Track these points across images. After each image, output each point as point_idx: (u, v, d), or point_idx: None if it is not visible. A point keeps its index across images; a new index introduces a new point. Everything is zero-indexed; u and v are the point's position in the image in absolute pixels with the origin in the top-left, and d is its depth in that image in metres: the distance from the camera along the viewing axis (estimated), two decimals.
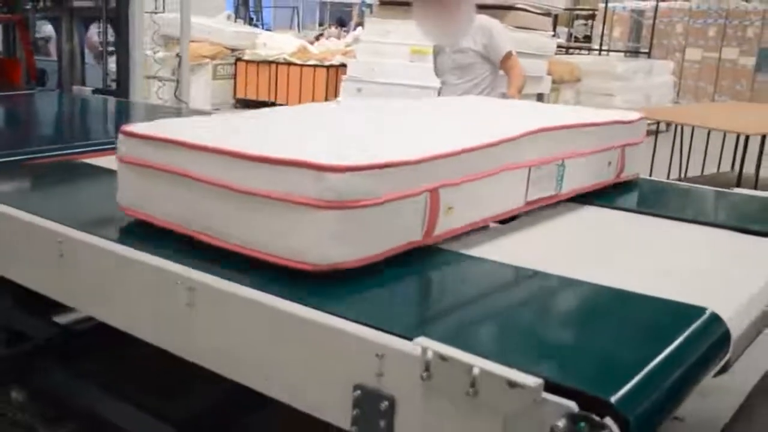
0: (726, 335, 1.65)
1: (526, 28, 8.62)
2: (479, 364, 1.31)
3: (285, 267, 1.76)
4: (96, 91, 6.03)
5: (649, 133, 8.45)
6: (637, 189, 2.96)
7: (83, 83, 6.45)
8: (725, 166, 7.42)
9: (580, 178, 2.56)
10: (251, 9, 20.43)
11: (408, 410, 1.43)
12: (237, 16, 17.62)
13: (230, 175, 1.85)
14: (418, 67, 8.12)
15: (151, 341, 1.93)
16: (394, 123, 2.60)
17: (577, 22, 16.40)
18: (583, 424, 1.22)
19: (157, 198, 2.08)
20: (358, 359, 1.48)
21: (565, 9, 11.87)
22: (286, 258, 1.77)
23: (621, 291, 1.77)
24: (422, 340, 1.39)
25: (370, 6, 9.62)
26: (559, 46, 14.02)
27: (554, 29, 11.40)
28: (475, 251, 2.05)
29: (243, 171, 1.83)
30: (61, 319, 2.86)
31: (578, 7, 16.75)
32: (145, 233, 2.08)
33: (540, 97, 9.53)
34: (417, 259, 1.93)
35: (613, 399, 1.26)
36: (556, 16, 11.37)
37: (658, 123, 7.71)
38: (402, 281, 1.87)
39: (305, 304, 1.60)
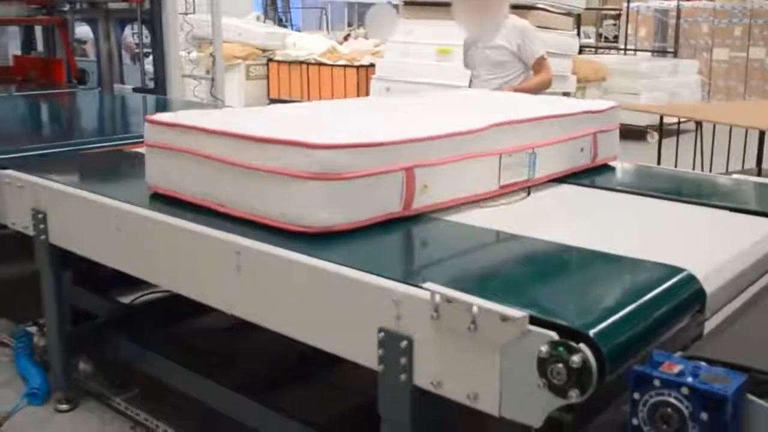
0: (700, 292, 1.90)
1: (547, 28, 8.82)
2: (478, 303, 1.59)
3: (284, 230, 2.11)
4: (135, 89, 6.36)
5: (670, 132, 8.54)
6: (614, 171, 3.23)
7: (121, 82, 6.77)
8: (750, 164, 7.53)
9: (553, 163, 2.85)
10: (279, 10, 20.77)
11: (423, 347, 1.72)
12: (266, 17, 17.96)
13: (236, 153, 2.23)
14: (444, 67, 8.36)
15: (204, 301, 2.23)
16: (389, 113, 2.99)
17: (606, 22, 16.52)
18: (561, 348, 1.49)
19: (177, 175, 2.46)
20: (380, 305, 1.77)
21: (588, 9, 12.00)
22: (283, 222, 2.13)
23: (607, 253, 2.04)
24: (430, 286, 1.67)
25: (396, 7, 9.83)
26: (587, 46, 14.21)
27: (578, 29, 11.59)
28: (460, 218, 2.36)
29: (247, 150, 2.20)
30: (122, 298, 3.16)
31: (603, 6, 16.86)
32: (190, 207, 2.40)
33: (566, 96, 9.74)
34: (411, 224, 2.26)
35: (588, 331, 1.52)
36: (579, 16, 11.55)
37: (679, 121, 7.84)
38: (403, 240, 2.23)
39: (334, 262, 1.89)
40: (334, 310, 1.89)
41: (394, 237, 2.20)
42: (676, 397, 1.40)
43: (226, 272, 2.08)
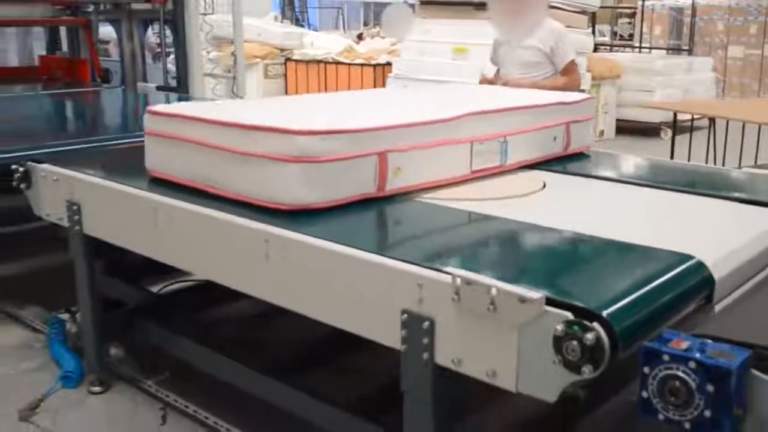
0: (709, 279, 1.99)
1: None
2: (497, 285, 1.69)
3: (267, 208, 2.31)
4: (159, 88, 6.49)
5: (683, 129, 8.61)
6: (589, 158, 3.40)
7: (144, 81, 6.89)
8: (762, 161, 7.58)
9: (525, 151, 3.04)
10: (297, 10, 20.92)
11: (445, 328, 1.82)
12: (283, 16, 18.11)
13: (226, 140, 2.46)
14: (460, 65, 8.45)
15: (236, 288, 2.35)
16: (375, 103, 3.23)
17: (621, 20, 16.55)
18: (576, 327, 1.59)
19: (174, 161, 2.68)
20: (403, 289, 1.87)
21: (603, 7, 12.06)
22: (267, 201, 2.34)
23: (619, 241, 2.13)
24: (452, 270, 1.77)
25: (412, 6, 9.92)
26: (602, 44, 14.25)
27: (593, 27, 11.64)
28: (456, 204, 2.50)
29: (235, 136, 2.43)
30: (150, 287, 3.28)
31: (618, 5, 16.89)
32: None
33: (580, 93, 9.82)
34: (419, 210, 2.46)
35: (601, 311, 1.62)
36: (594, 14, 11.61)
37: (693, 118, 7.89)
38: (420, 229, 2.37)
39: (359, 248, 2.00)
40: (359, 293, 1.99)
41: (368, 216, 2.42)
42: (683, 371, 1.50)
43: (256, 260, 2.19)
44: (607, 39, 15.63)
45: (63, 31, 6.86)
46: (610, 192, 2.88)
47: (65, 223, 2.90)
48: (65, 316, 3.39)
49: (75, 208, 2.82)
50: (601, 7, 12.58)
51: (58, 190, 2.90)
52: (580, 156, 3.36)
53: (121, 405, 3.02)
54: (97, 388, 3.08)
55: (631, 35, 15.66)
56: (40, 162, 3.04)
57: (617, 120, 10.84)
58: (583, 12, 9.74)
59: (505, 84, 4.58)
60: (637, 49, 14.30)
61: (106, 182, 2.74)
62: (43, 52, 6.89)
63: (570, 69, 4.62)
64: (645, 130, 10.76)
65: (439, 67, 8.49)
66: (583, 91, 4.74)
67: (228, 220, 2.31)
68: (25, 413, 2.91)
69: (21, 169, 3.05)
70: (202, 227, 2.41)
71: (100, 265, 3.05)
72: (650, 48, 14.51)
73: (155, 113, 2.76)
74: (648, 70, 11.10)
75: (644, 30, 14.92)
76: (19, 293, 3.98)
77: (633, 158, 3.67)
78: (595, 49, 11.96)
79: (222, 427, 2.78)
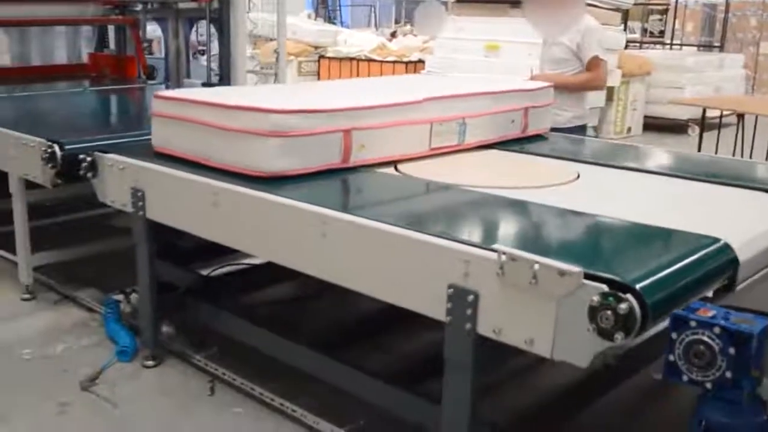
0: (734, 260, 2.14)
1: None
2: (539, 260, 1.86)
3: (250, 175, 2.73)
4: (203, 84, 6.69)
5: (711, 126, 8.68)
6: (545, 139, 3.83)
7: (188, 78, 7.10)
8: None
9: (483, 132, 3.44)
10: (329, 8, 21.13)
11: (488, 301, 1.99)
12: (316, 15, 18.32)
13: (215, 118, 2.89)
14: (492, 62, 8.59)
15: (293, 267, 2.53)
16: (354, 89, 3.67)
17: (651, 17, 16.56)
18: (611, 298, 1.76)
19: (174, 137, 3.11)
20: (451, 265, 2.04)
21: (635, 4, 12.11)
22: (249, 170, 2.76)
23: (653, 225, 2.30)
24: (497, 246, 1.94)
25: (445, 4, 10.05)
26: (632, 41, 14.29)
27: (625, 24, 11.72)
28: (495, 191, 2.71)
29: (223, 116, 2.86)
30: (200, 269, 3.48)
31: (651, 2, 16.90)
32: (280, 183, 2.71)
33: (610, 90, 9.93)
34: (469, 197, 2.67)
35: (635, 285, 1.78)
36: (627, 11, 11.68)
37: (721, 115, 7.95)
38: (341, 185, 2.80)
39: (408, 228, 2.18)
40: (408, 270, 2.17)
41: (332, 182, 2.84)
42: (708, 336, 1.66)
43: (313, 239, 2.38)
44: (637, 36, 15.65)
45: (111, 29, 7.07)
46: (641, 182, 3.03)
47: (129, 209, 3.10)
48: (120, 296, 3.61)
49: (139, 194, 3.02)
50: (633, 4, 12.65)
51: (123, 178, 3.10)
52: (538, 137, 3.80)
53: (172, 377, 3.22)
54: (150, 362, 3.28)
55: (662, 32, 15.66)
56: (105, 152, 3.24)
57: (645, 117, 10.92)
58: (617, 9, 9.84)
59: (533, 79, 4.72)
60: (668, 46, 14.32)
61: (170, 170, 2.93)
62: (91, 50, 7.12)
63: (593, 65, 4.66)
64: (672, 127, 10.84)
65: (472, 64, 8.61)
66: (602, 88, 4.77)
67: (282, 202, 2.50)
68: (85, 384, 3.11)
69: (88, 159, 3.24)
70: (257, 210, 2.61)
71: (156, 250, 3.24)
72: (681, 45, 14.54)
73: (160, 97, 3.19)
74: (678, 67, 11.16)
75: (676, 27, 14.93)
76: (75, 277, 4.20)
77: (666, 152, 3.84)
78: (626, 46, 12.04)
79: (267, 398, 2.96)
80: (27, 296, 4.02)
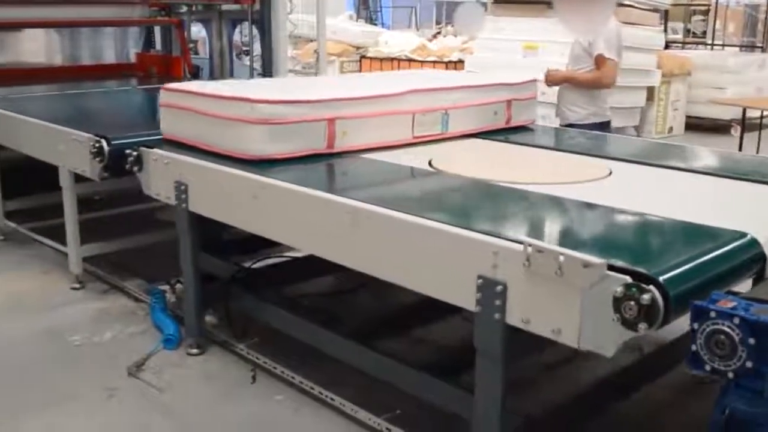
0: (761, 255, 2.19)
1: (633, 24, 9.00)
2: (564, 252, 1.93)
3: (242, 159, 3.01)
4: None
5: (753, 126, 8.64)
6: (529, 131, 4.05)
7: (231, 77, 7.24)
8: None
9: (466, 122, 3.68)
10: (370, 9, 21.26)
11: (515, 291, 2.07)
12: (357, 16, 18.44)
13: (211, 108, 3.18)
14: (530, 61, 8.62)
15: (327, 257, 2.63)
16: (344, 82, 4.13)
17: (694, 18, 16.42)
18: (634, 289, 1.82)
19: (178, 126, 3.39)
20: (480, 256, 2.12)
21: (676, 4, 12.04)
22: (239, 153, 3.05)
23: (679, 220, 2.36)
24: (524, 239, 2.02)
25: (485, 5, 10.10)
26: (674, 42, 14.19)
27: (665, 25, 11.66)
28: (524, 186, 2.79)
29: (218, 105, 3.16)
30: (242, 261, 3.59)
31: (692, 2, 16.75)
32: (312, 177, 2.85)
33: (650, 90, 9.90)
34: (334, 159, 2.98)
35: (658, 276, 1.85)
36: (666, 12, 11.63)
37: (761, 115, 7.91)
38: (326, 170, 3.00)
39: (439, 221, 2.26)
40: (439, 261, 2.25)
41: (318, 167, 3.10)
42: (728, 326, 1.72)
43: (344, 231, 2.48)
44: (679, 36, 15.52)
45: (157, 30, 7.24)
46: (669, 179, 3.09)
47: (173, 201, 3.23)
48: (165, 287, 3.74)
49: (183, 187, 3.15)
50: (674, 5, 12.57)
51: (168, 172, 3.23)
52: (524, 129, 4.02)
53: (215, 365, 3.34)
54: (194, 350, 3.41)
55: (705, 32, 15.52)
56: (151, 147, 3.37)
57: (687, 117, 10.87)
58: (655, 9, 9.80)
59: (547, 74, 4.90)
60: (710, 47, 14.20)
61: (212, 164, 3.05)
62: (139, 50, 7.31)
63: (599, 62, 4.77)
64: (715, 127, 10.76)
65: (511, 63, 8.65)
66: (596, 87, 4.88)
67: (317, 195, 2.62)
68: (132, 370, 3.24)
69: (134, 153, 3.38)
70: (295, 203, 2.71)
71: (199, 242, 3.36)
72: (723, 45, 14.41)
73: (167, 89, 3.48)
74: (720, 67, 11.08)
75: (717, 27, 14.78)
76: (122, 268, 4.36)
77: (694, 149, 3.90)
78: (667, 46, 11.97)
79: (306, 386, 3.07)
80: (77, 286, 4.19)
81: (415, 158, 3.20)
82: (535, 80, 4.09)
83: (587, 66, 4.84)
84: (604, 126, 4.89)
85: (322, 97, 3.16)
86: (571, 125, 4.77)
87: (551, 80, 4.98)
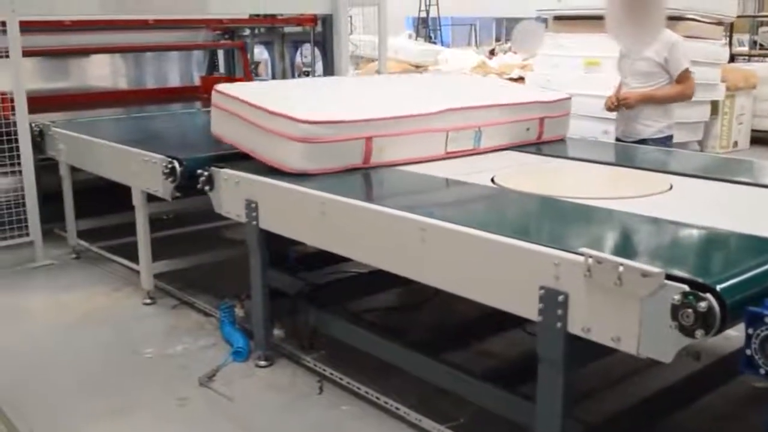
0: None
1: (696, 37, 8.94)
2: (623, 262, 1.98)
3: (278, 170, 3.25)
4: None
5: None
6: (565, 143, 4.22)
7: None
8: None
9: (498, 138, 3.86)
10: (429, 28, 21.41)
11: (576, 300, 2.12)
12: (417, 34, 18.62)
13: (257, 118, 3.38)
14: (592, 78, 8.61)
15: (395, 272, 2.71)
16: (377, 92, 4.06)
17: (761, 29, 16.16)
18: (691, 297, 1.86)
19: (225, 126, 3.67)
20: (542, 268, 2.18)
21: (741, 16, 11.89)
22: (279, 164, 3.27)
23: (733, 231, 2.40)
24: (584, 250, 2.08)
25: (545, 21, 10.13)
26: (740, 54, 14.00)
27: (730, 37, 11.52)
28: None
29: (263, 117, 3.35)
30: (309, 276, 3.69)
31: (759, 14, 16.51)
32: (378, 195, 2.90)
33: (714, 104, 9.79)
34: (547, 206, 2.88)
35: (714, 285, 1.89)
36: (731, 24, 11.49)
37: None
38: (554, 221, 2.78)
39: (503, 235, 2.33)
40: (503, 273, 2.32)
41: (355, 177, 3.31)
42: None
43: (413, 246, 2.56)
44: (746, 49, 15.29)
45: (221, 53, 7.46)
46: (728, 192, 3.14)
47: (243, 219, 3.35)
48: (234, 302, 3.86)
49: (253, 205, 3.27)
50: (740, 17, 12.40)
51: (238, 190, 3.36)
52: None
53: (283, 377, 3.44)
54: (263, 363, 3.51)
55: None
56: (222, 167, 3.51)
57: (753, 131, 10.70)
58: (719, 23, 9.70)
59: (622, 96, 4.84)
60: None
61: (281, 182, 3.16)
62: (203, 73, 7.53)
63: (684, 77, 4.80)
64: None
65: (571, 80, 8.65)
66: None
67: (389, 213, 2.69)
68: (204, 380, 3.36)
69: (206, 173, 3.53)
70: (359, 218, 2.81)
71: (268, 258, 3.48)
72: None
73: (217, 91, 3.73)
74: None
75: None
76: (192, 284, 4.51)
77: (747, 162, 3.91)
78: (733, 59, 11.81)
79: (372, 396, 3.14)
80: (148, 301, 4.35)
81: (449, 170, 3.41)
82: (569, 98, 4.18)
83: (660, 81, 4.84)
84: (670, 139, 4.91)
85: (361, 117, 3.34)
86: (643, 141, 4.78)
87: (631, 104, 4.86)
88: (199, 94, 7.13)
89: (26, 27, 4.97)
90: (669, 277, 1.93)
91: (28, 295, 4.55)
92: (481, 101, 3.80)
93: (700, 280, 1.90)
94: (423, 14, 21.51)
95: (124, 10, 5.61)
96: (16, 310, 4.32)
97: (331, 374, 3.34)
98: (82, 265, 5.09)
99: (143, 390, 3.36)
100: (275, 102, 3.39)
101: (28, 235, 5.03)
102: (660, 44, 4.65)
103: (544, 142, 4.10)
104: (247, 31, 7.48)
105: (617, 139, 5.04)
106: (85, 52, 6.76)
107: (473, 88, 4.39)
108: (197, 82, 7.44)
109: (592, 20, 8.95)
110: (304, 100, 3.58)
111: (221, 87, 3.74)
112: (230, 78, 6.95)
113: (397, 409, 3.03)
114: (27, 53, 5.08)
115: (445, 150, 3.61)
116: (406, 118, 3.47)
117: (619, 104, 4.87)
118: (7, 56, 4.75)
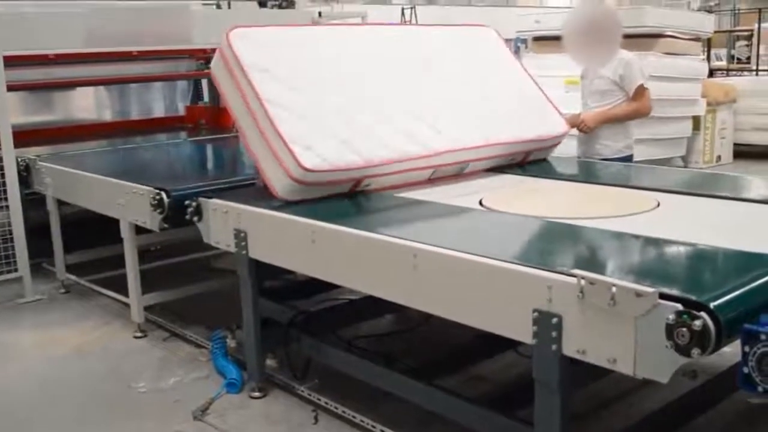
0: None
1: (675, 54, 9.04)
2: (616, 283, 1.99)
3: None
4: None
5: None
6: (549, 162, 4.34)
7: None
8: None
9: (484, 165, 3.97)
10: None
11: (571, 323, 2.13)
12: None
13: (263, 121, 3.36)
14: (571, 96, 8.67)
15: (387, 298, 2.71)
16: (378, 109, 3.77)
17: (738, 44, 16.33)
18: (686, 316, 1.87)
19: (226, 88, 3.59)
20: (535, 291, 2.19)
21: (718, 31, 12.02)
22: (268, 183, 3.34)
23: (724, 247, 2.42)
24: (577, 272, 2.09)
25: (524, 41, 10.22)
26: (718, 69, 14.13)
27: (708, 52, 11.63)
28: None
29: (270, 132, 3.32)
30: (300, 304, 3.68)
31: (735, 28, 16.70)
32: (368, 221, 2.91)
33: (696, 119, 9.87)
34: (534, 227, 2.88)
35: (708, 303, 1.89)
36: (709, 40, 11.62)
37: None
38: (547, 242, 2.80)
39: (495, 258, 2.34)
40: (496, 297, 2.32)
41: (344, 203, 3.37)
42: None
43: (405, 272, 2.55)
44: (723, 63, 15.44)
45: (205, 82, 7.46)
46: (710, 207, 3.17)
47: (233, 249, 3.34)
48: (226, 332, 3.85)
49: (242, 235, 3.26)
50: (717, 32, 12.53)
51: (227, 220, 3.35)
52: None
53: (278, 407, 3.42)
54: (257, 393, 3.49)
55: (749, 58, 15.41)
56: (209, 197, 3.50)
57: (736, 144, 10.79)
58: (697, 38, 9.81)
59: (581, 121, 4.84)
60: (755, 72, 14.10)
61: (269, 212, 3.16)
62: (187, 103, 7.53)
63: (639, 94, 4.80)
64: (765, 154, 10.68)
65: (552, 98, 8.68)
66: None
67: (370, 237, 2.71)
68: (198, 413, 3.34)
69: (194, 204, 3.51)
70: (350, 245, 2.81)
71: (259, 288, 3.47)
72: None
73: (233, 35, 3.54)
74: (766, 93, 11.01)
75: (762, 52, 14.68)
76: (182, 315, 4.49)
77: (729, 176, 3.96)
78: (712, 74, 11.93)
79: (368, 425, 3.12)
80: (139, 334, 4.33)
81: (437, 194, 3.47)
82: (564, 135, 4.32)
83: (617, 99, 4.84)
84: (629, 159, 4.92)
85: (353, 164, 3.35)
86: (604, 160, 4.80)
87: (591, 126, 4.84)
88: (184, 123, 7.14)
89: (10, 62, 4.97)
90: (663, 296, 1.94)
91: (17, 332, 4.53)
92: (471, 143, 3.81)
93: (693, 298, 1.91)
94: None
95: (107, 43, 5.59)
96: (6, 346, 4.29)
97: (326, 403, 3.32)
98: (71, 299, 5.06)
99: (138, 425, 3.33)
100: (288, 120, 3.33)
101: (16, 270, 5.00)
102: (615, 62, 4.70)
103: (528, 162, 4.16)
104: None
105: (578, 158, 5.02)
106: (70, 84, 6.75)
107: (482, 89, 4.23)
108: (182, 111, 7.44)
109: None
110: (324, 122, 3.46)
111: (240, 31, 3.56)
112: (215, 108, 6.94)
113: None
114: (11, 87, 5.08)
115: (429, 178, 3.71)
116: (398, 163, 3.51)
117: (578, 129, 4.88)
118: None
